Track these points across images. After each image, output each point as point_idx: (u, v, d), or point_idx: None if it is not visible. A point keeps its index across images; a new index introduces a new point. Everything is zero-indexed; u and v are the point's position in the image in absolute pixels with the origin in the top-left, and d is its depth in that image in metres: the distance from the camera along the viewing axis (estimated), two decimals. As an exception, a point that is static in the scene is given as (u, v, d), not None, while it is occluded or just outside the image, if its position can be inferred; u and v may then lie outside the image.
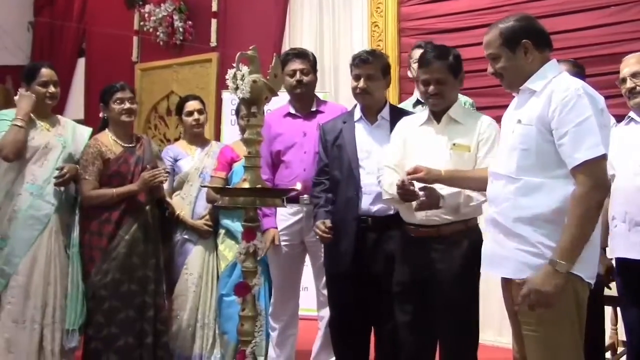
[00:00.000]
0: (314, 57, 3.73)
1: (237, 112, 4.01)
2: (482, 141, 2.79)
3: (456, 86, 2.90)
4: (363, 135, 3.22)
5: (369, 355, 3.30)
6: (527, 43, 2.30)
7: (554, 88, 2.22)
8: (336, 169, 3.21)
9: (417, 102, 3.79)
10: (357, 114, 3.28)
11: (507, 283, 2.37)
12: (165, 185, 3.79)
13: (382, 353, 3.21)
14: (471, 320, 2.84)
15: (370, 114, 3.25)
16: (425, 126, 2.92)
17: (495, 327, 4.70)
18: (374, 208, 3.07)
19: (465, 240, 2.78)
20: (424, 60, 2.86)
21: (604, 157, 2.15)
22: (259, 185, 2.53)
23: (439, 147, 2.82)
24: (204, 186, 3.73)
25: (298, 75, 3.59)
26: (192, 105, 4.04)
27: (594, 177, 2.13)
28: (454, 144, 2.79)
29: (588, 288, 2.24)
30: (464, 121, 2.86)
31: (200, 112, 4.03)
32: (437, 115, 2.89)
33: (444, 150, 2.80)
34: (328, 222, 3.16)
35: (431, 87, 2.82)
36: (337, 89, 6.10)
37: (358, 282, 3.11)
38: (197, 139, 4.09)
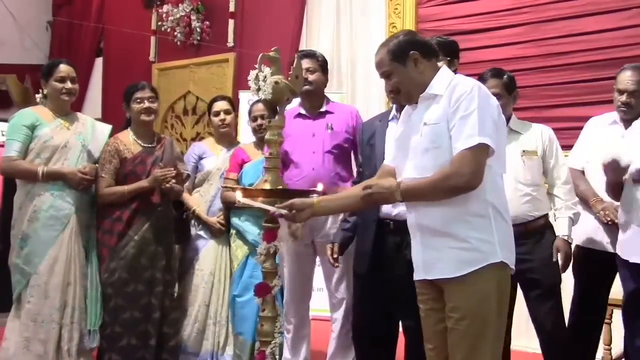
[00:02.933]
0: (323, 58, 3.73)
1: (249, 113, 3.99)
2: (547, 147, 3.26)
3: (511, 102, 3.29)
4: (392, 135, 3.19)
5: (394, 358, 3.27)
6: (415, 54, 2.38)
7: (454, 87, 2.31)
8: (367, 169, 3.18)
9: None
10: (392, 113, 3.25)
11: (430, 283, 2.39)
12: (186, 183, 3.80)
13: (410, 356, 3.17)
14: (560, 303, 3.22)
15: None
16: None
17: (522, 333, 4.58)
18: (395, 211, 3.03)
19: (547, 232, 3.24)
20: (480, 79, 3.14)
21: (479, 147, 2.20)
22: (280, 186, 2.53)
23: (510, 157, 3.01)
24: (225, 187, 3.72)
25: (303, 73, 3.59)
26: (219, 105, 4.06)
27: (460, 164, 2.21)
28: (523, 151, 3.21)
29: (510, 273, 2.34)
30: (522, 130, 3.28)
31: (227, 112, 4.03)
32: None
33: (517, 159, 3.19)
34: (336, 248, 3.28)
35: None
36: (354, 90, 6.09)
37: (380, 284, 3.09)
38: (224, 139, 4.09)
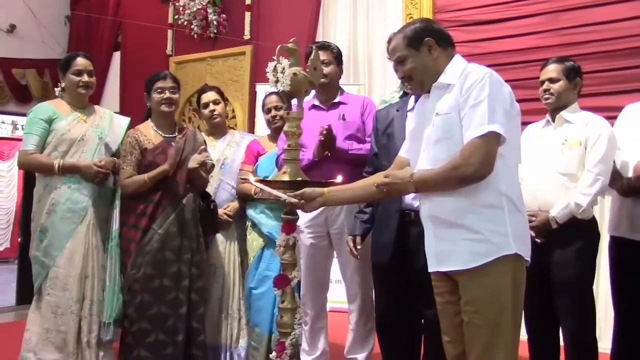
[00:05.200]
0: (338, 49, 3.72)
1: (263, 106, 3.98)
2: (590, 137, 3.07)
3: (570, 89, 3.22)
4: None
5: (419, 349, 3.26)
6: (430, 41, 2.36)
7: (466, 76, 2.28)
8: (384, 159, 3.16)
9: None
10: (411, 103, 3.23)
11: (445, 275, 2.38)
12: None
13: (429, 349, 3.17)
14: (587, 301, 3.09)
15: None
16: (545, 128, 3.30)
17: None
18: (416, 203, 2.95)
19: (578, 228, 3.04)
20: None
21: (489, 135, 2.18)
22: (299, 178, 2.53)
23: (551, 145, 3.16)
24: (243, 179, 3.72)
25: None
26: (207, 96, 4.01)
27: (469, 153, 2.19)
28: (565, 140, 3.12)
29: (525, 266, 2.32)
30: (574, 120, 3.16)
31: (215, 102, 3.98)
32: (552, 116, 3.26)
33: (557, 147, 3.14)
34: (358, 240, 3.25)
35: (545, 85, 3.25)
36: (370, 81, 6.09)
37: (402, 274, 3.10)
38: (217, 130, 4.05)
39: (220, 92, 4.09)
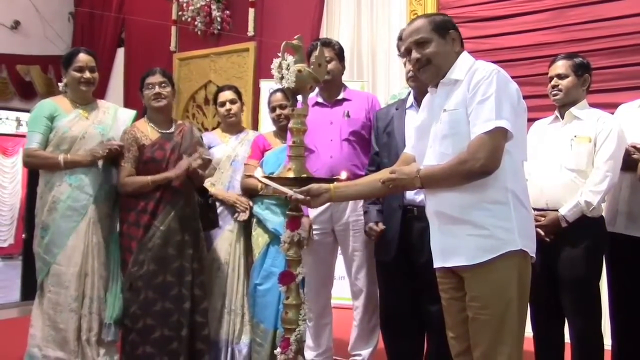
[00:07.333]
0: (340, 46, 3.72)
1: (269, 103, 4.00)
2: (599, 134, 3.07)
3: (579, 85, 3.22)
4: (412, 122, 3.15)
5: (423, 345, 3.26)
6: (455, 34, 2.40)
7: (473, 73, 2.30)
8: (385, 157, 3.20)
9: None
10: (410, 100, 3.25)
11: (450, 271, 2.38)
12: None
13: (433, 345, 3.18)
14: (594, 299, 3.08)
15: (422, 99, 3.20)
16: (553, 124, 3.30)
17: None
18: (419, 198, 3.03)
19: (585, 224, 3.02)
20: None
21: (496, 130, 2.19)
22: (304, 175, 2.53)
23: (560, 141, 3.16)
24: (248, 175, 3.73)
25: None
26: (224, 95, 4.07)
27: (476, 148, 2.20)
28: (575, 136, 3.12)
29: (530, 262, 2.32)
30: (583, 117, 3.17)
31: (232, 102, 4.04)
32: (561, 112, 3.27)
33: (566, 142, 3.13)
34: (381, 225, 3.21)
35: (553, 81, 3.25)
36: (374, 78, 6.08)
37: (406, 271, 3.10)
38: (232, 128, 4.10)
39: (237, 92, 4.14)
